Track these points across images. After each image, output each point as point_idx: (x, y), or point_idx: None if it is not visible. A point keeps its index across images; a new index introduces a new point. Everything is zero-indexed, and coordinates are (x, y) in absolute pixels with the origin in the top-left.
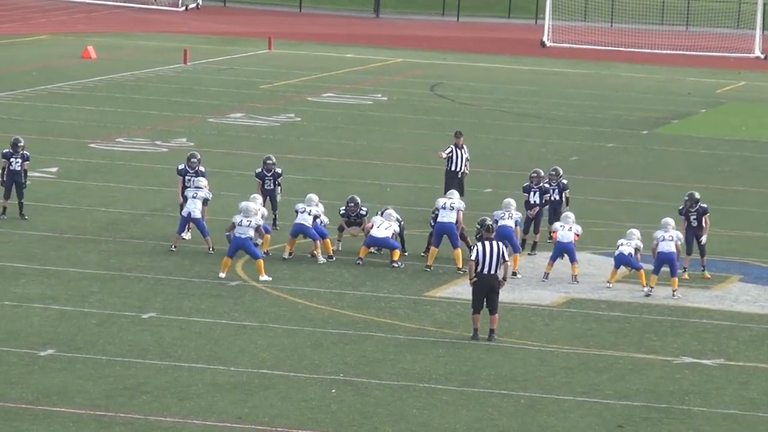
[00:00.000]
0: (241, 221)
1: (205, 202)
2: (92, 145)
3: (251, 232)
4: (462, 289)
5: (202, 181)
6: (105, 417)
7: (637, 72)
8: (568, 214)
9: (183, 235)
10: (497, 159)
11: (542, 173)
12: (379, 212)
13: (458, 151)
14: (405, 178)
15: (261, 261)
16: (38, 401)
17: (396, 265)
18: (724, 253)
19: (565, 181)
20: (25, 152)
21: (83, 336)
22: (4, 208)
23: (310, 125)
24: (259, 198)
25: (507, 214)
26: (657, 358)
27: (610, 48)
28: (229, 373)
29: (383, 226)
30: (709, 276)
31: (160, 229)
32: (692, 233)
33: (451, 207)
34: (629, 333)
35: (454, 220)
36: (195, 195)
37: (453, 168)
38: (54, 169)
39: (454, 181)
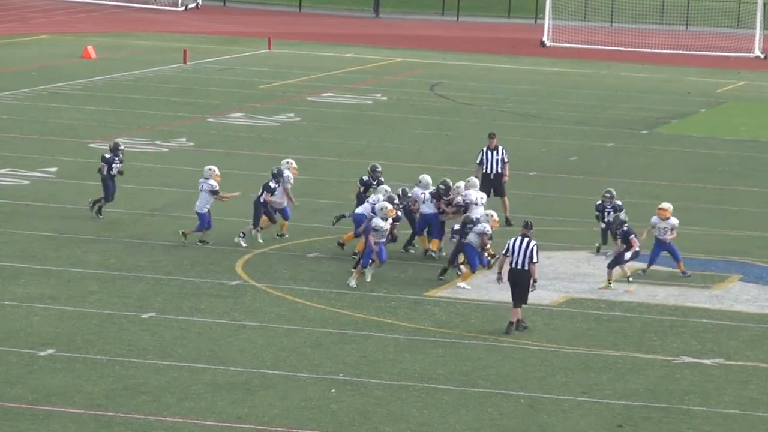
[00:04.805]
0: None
1: (211, 193)
2: (92, 145)
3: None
4: (462, 289)
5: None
6: (105, 417)
7: (637, 72)
8: (491, 212)
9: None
10: None
11: (614, 192)
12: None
13: (490, 154)
14: (405, 178)
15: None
16: (38, 401)
17: (434, 254)
18: (725, 253)
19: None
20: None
21: (83, 336)
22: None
23: (310, 125)
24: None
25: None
26: (657, 357)
27: (610, 48)
28: (228, 373)
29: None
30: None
31: (160, 229)
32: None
33: (431, 200)
34: (629, 333)
35: (435, 210)
36: (201, 188)
37: (486, 171)
38: (54, 169)
39: (487, 184)
